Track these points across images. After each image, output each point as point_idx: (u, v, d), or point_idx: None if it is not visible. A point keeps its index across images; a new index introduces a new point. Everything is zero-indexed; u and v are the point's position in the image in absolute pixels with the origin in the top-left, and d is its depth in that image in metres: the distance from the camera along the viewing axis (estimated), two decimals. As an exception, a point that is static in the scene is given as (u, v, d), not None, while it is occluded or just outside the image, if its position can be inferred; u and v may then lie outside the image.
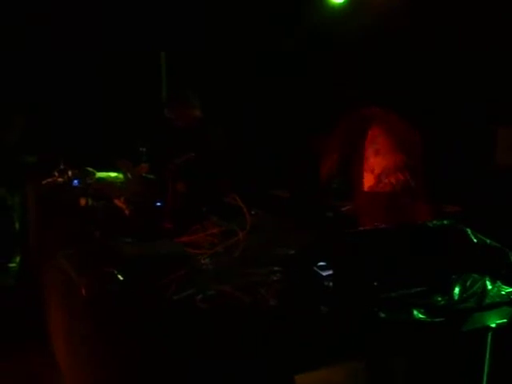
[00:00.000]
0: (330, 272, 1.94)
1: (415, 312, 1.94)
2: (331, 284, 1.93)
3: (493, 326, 2.12)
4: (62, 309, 2.95)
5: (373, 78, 4.88)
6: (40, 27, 5.90)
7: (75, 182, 4.43)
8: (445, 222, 2.25)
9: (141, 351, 1.96)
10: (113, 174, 4.61)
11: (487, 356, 2.18)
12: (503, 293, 2.13)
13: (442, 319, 1.96)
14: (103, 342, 2.24)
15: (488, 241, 2.22)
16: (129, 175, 4.08)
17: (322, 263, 1.98)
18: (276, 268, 2.26)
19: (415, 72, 5.29)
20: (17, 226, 5.60)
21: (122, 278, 2.27)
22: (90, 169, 4.57)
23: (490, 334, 2.16)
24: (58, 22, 5.91)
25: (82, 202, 3.63)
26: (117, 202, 3.49)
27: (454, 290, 2.03)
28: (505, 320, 2.13)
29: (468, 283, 2.06)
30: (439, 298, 2.00)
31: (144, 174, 4.15)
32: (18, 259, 5.50)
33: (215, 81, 6.21)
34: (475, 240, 2.19)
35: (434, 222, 2.26)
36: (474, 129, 4.99)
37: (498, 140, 4.94)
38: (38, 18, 5.85)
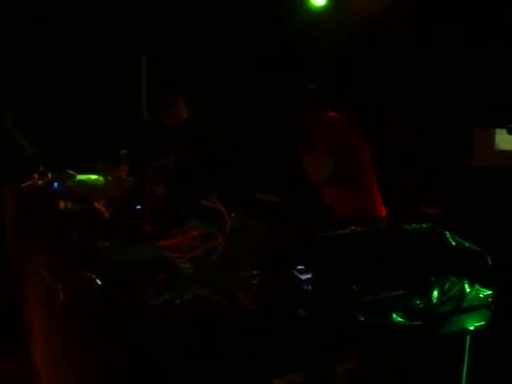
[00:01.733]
0: (309, 275, 1.94)
1: (394, 315, 1.94)
2: (310, 288, 1.92)
3: (471, 328, 2.14)
4: (40, 311, 2.92)
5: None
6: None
7: (55, 184, 4.38)
8: (423, 225, 2.26)
9: (119, 356, 1.95)
10: (93, 177, 4.58)
11: (466, 358, 2.20)
12: (481, 296, 2.14)
13: (420, 322, 1.97)
14: (80, 346, 2.22)
15: (466, 244, 2.23)
16: (109, 178, 4.05)
17: (301, 266, 1.98)
18: (255, 272, 2.25)
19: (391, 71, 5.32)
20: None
21: (100, 283, 2.25)
22: (71, 171, 4.53)
23: (468, 337, 2.17)
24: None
25: (62, 205, 3.60)
26: (97, 205, 3.46)
27: (432, 293, 2.04)
28: (483, 323, 2.15)
29: (446, 286, 2.07)
30: (418, 302, 2.00)
31: (124, 177, 4.12)
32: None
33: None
34: (454, 243, 2.20)
35: (413, 225, 2.27)
36: (453, 129, 5.02)
37: (475, 141, 4.97)
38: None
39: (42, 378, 3.04)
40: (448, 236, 2.21)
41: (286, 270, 1.96)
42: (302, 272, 1.95)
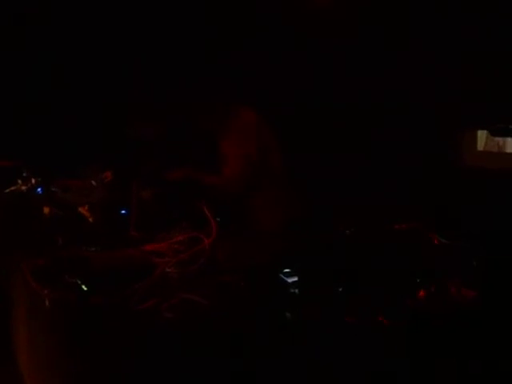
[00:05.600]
0: (296, 279, 1.95)
1: (380, 316, 1.95)
2: (297, 291, 1.93)
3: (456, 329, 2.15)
4: (26, 317, 2.90)
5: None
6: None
7: (39, 189, 4.35)
8: (408, 225, 2.28)
9: (104, 361, 1.94)
10: (77, 182, 4.55)
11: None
12: (465, 296, 2.16)
13: (407, 322, 1.99)
14: (66, 351, 2.22)
15: (451, 243, 2.25)
16: (93, 182, 4.03)
17: (287, 270, 1.99)
18: (241, 275, 2.26)
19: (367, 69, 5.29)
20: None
21: (85, 288, 2.24)
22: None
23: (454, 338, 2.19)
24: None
25: (46, 210, 3.57)
26: (81, 210, 3.44)
27: (418, 293, 2.05)
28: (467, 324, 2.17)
29: (432, 286, 2.09)
30: (404, 302, 2.02)
31: (109, 181, 4.09)
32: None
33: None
34: (439, 243, 2.22)
35: (398, 225, 2.28)
36: (437, 131, 5.04)
37: (463, 142, 5.01)
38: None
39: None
40: (433, 236, 2.23)
41: (272, 273, 1.97)
42: (288, 275, 1.96)
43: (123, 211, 3.37)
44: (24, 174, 4.55)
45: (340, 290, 1.96)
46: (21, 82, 5.87)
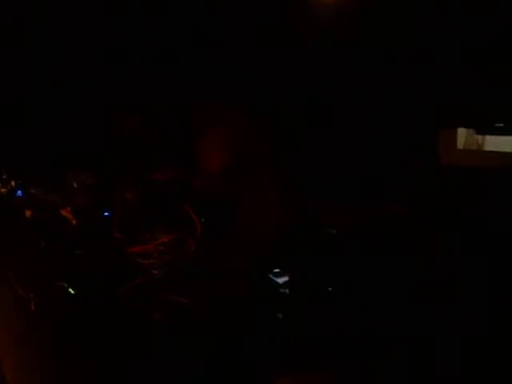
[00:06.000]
0: (286, 279, 1.95)
1: (370, 315, 1.96)
2: (287, 291, 1.93)
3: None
4: (10, 321, 2.87)
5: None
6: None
7: (19, 192, 4.30)
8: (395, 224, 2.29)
9: (93, 363, 1.93)
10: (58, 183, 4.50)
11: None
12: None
13: (396, 321, 1.99)
14: (53, 355, 2.19)
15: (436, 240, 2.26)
16: (75, 184, 3.99)
17: (277, 270, 1.98)
18: (228, 276, 2.25)
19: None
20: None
21: (72, 291, 2.22)
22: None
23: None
24: None
25: (28, 213, 3.53)
26: (64, 212, 3.40)
27: (406, 292, 2.06)
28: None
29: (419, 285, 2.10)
30: (394, 301, 2.02)
31: (91, 183, 4.05)
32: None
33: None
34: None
35: (386, 225, 2.29)
36: (417, 129, 5.06)
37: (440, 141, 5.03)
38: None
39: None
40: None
41: (262, 274, 1.96)
42: (278, 275, 1.95)
43: (106, 213, 3.33)
44: (3, 177, 4.50)
45: (330, 289, 1.96)
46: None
